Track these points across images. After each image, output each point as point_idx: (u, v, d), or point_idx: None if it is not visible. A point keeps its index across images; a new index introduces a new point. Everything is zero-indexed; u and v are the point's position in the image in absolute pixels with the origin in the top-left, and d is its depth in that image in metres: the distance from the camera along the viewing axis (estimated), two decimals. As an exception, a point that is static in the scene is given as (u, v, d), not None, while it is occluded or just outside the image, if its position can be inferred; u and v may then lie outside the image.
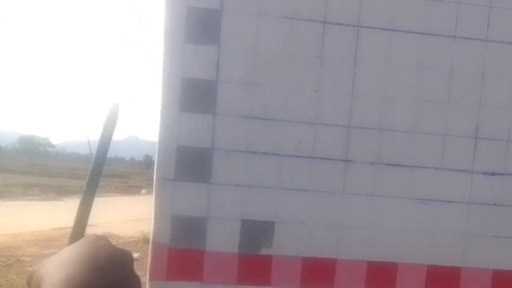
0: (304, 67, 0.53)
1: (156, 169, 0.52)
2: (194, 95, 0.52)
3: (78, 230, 0.45)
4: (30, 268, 0.41)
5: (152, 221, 0.52)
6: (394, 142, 0.55)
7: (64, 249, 0.39)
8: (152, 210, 0.52)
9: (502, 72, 0.56)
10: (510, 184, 0.56)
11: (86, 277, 0.35)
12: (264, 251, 0.53)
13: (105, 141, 0.46)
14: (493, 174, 0.56)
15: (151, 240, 0.52)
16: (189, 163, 0.52)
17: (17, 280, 4.89)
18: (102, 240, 0.39)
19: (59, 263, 0.37)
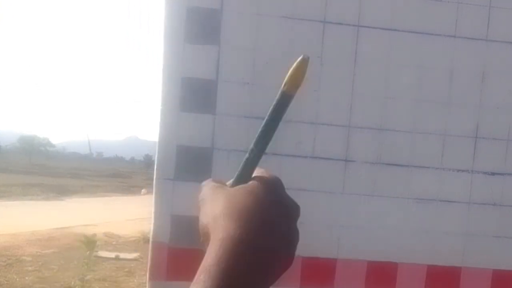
0: (304, 67, 0.53)
1: (156, 169, 0.52)
2: (194, 95, 0.52)
3: (244, 173, 0.40)
4: (209, 180, 0.40)
5: (152, 221, 0.52)
6: (394, 142, 0.55)
7: (235, 188, 0.38)
8: (152, 210, 0.52)
9: (502, 72, 0.56)
10: (510, 184, 0.56)
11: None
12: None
13: (287, 99, 0.40)
14: (493, 174, 0.56)
15: (151, 239, 0.52)
16: (189, 162, 0.52)
17: (17, 280, 4.90)
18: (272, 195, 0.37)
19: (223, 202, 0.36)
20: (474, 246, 0.56)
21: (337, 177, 0.54)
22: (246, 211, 0.36)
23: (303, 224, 0.53)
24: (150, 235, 0.52)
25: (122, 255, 6.21)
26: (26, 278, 5.08)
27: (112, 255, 6.25)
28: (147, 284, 0.52)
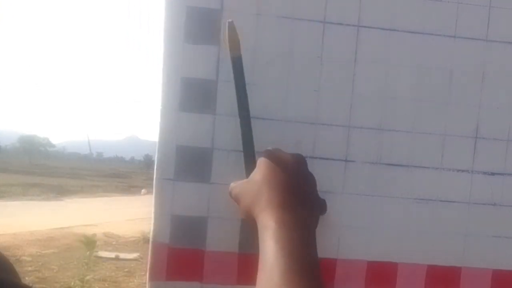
0: (304, 67, 0.53)
1: (156, 169, 0.52)
2: (194, 95, 0.52)
3: (249, 157, 0.49)
4: (232, 184, 0.50)
5: (152, 221, 0.52)
6: (394, 142, 0.55)
7: (250, 177, 0.47)
8: (152, 210, 0.52)
9: (502, 72, 0.56)
10: (510, 184, 0.56)
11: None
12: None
13: (238, 61, 0.47)
14: (493, 174, 0.56)
15: (151, 240, 0.52)
16: (189, 163, 0.52)
17: (17, 280, 4.88)
18: (280, 164, 0.46)
19: (250, 186, 0.45)
20: (474, 246, 0.56)
21: (337, 177, 0.54)
22: (268, 184, 0.43)
23: (303, 224, 0.53)
24: (150, 235, 0.52)
25: (122, 255, 6.22)
26: (26, 278, 5.08)
27: (112, 255, 6.25)
28: (147, 284, 0.52)
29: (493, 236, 0.56)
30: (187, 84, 0.52)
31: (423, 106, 0.55)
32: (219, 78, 0.52)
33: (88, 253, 5.27)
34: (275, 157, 0.46)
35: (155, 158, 0.52)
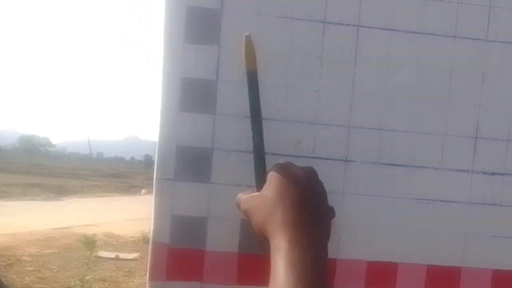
0: (304, 67, 0.53)
1: (156, 169, 0.52)
2: (194, 95, 0.52)
3: (260, 170, 0.49)
4: (240, 195, 0.50)
5: (152, 221, 0.52)
6: (394, 142, 0.55)
7: (261, 192, 0.46)
8: (152, 210, 0.52)
9: (502, 72, 0.56)
10: (510, 184, 0.56)
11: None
12: (264, 251, 0.53)
13: (253, 75, 0.47)
14: (493, 174, 0.56)
15: (151, 240, 0.52)
16: (189, 163, 0.52)
17: (17, 280, 4.90)
18: (292, 178, 0.45)
19: (263, 202, 0.45)
20: (474, 246, 0.56)
21: (337, 177, 0.54)
22: (281, 201, 0.43)
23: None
24: (150, 235, 0.52)
25: (122, 255, 6.22)
26: (26, 278, 5.08)
27: (112, 255, 6.25)
28: (147, 284, 0.52)
29: (493, 236, 0.56)
30: (187, 84, 0.52)
31: (423, 106, 0.55)
32: (219, 78, 0.52)
33: (88, 253, 5.27)
34: (287, 173, 0.45)
35: (155, 158, 0.52)
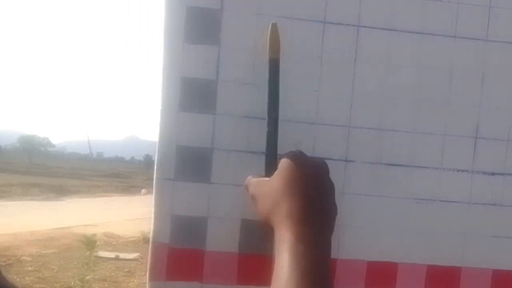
0: (304, 67, 0.53)
1: (156, 169, 0.52)
2: (194, 95, 0.52)
3: (271, 157, 0.48)
4: (250, 177, 0.49)
5: (152, 221, 0.52)
6: (394, 142, 0.55)
7: (271, 179, 0.45)
8: (152, 210, 0.52)
9: (502, 72, 0.56)
10: (510, 184, 0.56)
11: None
12: (264, 251, 0.53)
13: (275, 63, 0.47)
14: (493, 174, 0.56)
15: (151, 240, 0.52)
16: (189, 163, 0.52)
17: (17, 280, 4.90)
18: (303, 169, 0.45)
19: (272, 190, 0.44)
20: (474, 246, 0.56)
21: (337, 177, 0.54)
22: (289, 192, 0.42)
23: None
24: (150, 235, 0.52)
25: (122, 255, 6.22)
26: (26, 278, 5.08)
27: (112, 255, 6.25)
28: (147, 284, 0.52)
29: (493, 236, 0.56)
30: (187, 84, 0.52)
31: (423, 106, 0.55)
32: (219, 78, 0.52)
33: (88, 253, 5.27)
34: (298, 163, 0.44)
35: (155, 158, 0.52)
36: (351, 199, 0.54)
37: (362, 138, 0.54)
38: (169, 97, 0.52)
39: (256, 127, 0.53)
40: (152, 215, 0.52)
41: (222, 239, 0.53)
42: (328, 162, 0.52)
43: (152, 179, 0.53)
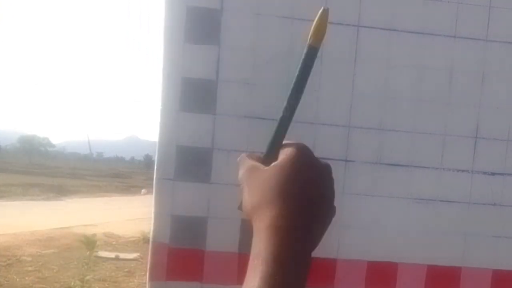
0: (304, 67, 0.53)
1: (156, 169, 0.52)
2: (194, 95, 0.52)
3: (274, 144, 0.44)
4: (244, 155, 0.44)
5: (152, 221, 0.52)
6: (394, 142, 0.55)
7: (268, 168, 0.40)
8: (152, 210, 0.52)
9: (502, 72, 0.56)
10: (510, 184, 0.56)
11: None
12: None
13: (313, 52, 0.41)
14: (493, 174, 0.56)
15: (151, 240, 0.52)
16: (189, 163, 0.52)
17: (17, 280, 4.90)
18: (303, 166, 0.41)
19: (265, 185, 0.39)
20: (474, 246, 0.56)
21: (337, 177, 0.54)
22: (281, 195, 0.38)
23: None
24: (150, 235, 0.52)
25: (122, 255, 6.21)
26: (26, 278, 5.08)
27: (112, 255, 6.24)
28: (147, 284, 0.52)
29: (493, 236, 0.56)
30: (187, 84, 0.52)
31: (423, 106, 0.55)
32: (219, 78, 0.52)
33: (88, 253, 5.27)
34: (301, 161, 0.40)
35: (155, 158, 0.52)
36: (351, 199, 0.54)
37: (362, 138, 0.54)
38: (169, 97, 0.52)
39: (256, 127, 0.53)
40: (152, 215, 0.52)
41: (222, 239, 0.53)
42: (328, 162, 0.51)
43: (152, 179, 0.53)
